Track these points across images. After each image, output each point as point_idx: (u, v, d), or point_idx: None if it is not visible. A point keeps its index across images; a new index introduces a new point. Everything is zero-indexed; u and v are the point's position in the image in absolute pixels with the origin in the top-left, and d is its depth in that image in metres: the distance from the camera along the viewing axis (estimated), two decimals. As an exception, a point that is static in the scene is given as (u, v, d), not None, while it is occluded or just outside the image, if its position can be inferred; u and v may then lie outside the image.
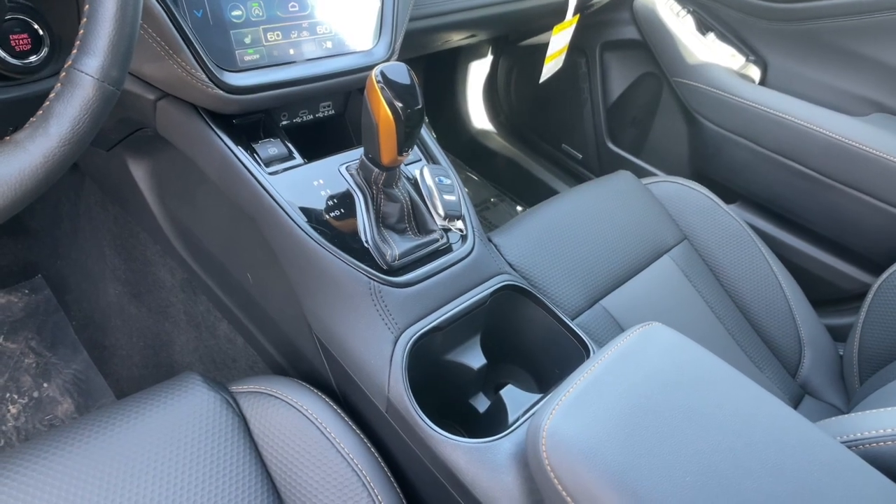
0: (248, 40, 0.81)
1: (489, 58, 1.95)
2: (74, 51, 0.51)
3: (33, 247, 1.38)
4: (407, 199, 0.84)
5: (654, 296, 1.11)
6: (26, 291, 1.32)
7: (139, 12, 0.53)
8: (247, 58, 0.81)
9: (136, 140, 0.97)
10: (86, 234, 1.25)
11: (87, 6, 0.50)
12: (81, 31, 0.51)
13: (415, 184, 0.88)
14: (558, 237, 1.09)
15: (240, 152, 0.81)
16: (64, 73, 0.50)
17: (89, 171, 1.18)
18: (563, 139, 1.88)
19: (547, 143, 1.92)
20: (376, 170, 0.80)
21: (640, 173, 1.29)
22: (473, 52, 1.89)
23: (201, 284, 1.01)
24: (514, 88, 1.95)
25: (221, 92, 0.78)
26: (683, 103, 1.52)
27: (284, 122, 0.94)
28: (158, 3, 0.72)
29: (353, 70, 0.90)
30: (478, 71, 1.98)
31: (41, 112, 0.50)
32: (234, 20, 0.80)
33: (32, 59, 0.72)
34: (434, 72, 1.97)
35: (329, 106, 0.99)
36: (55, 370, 1.20)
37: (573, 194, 1.21)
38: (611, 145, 1.76)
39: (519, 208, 1.97)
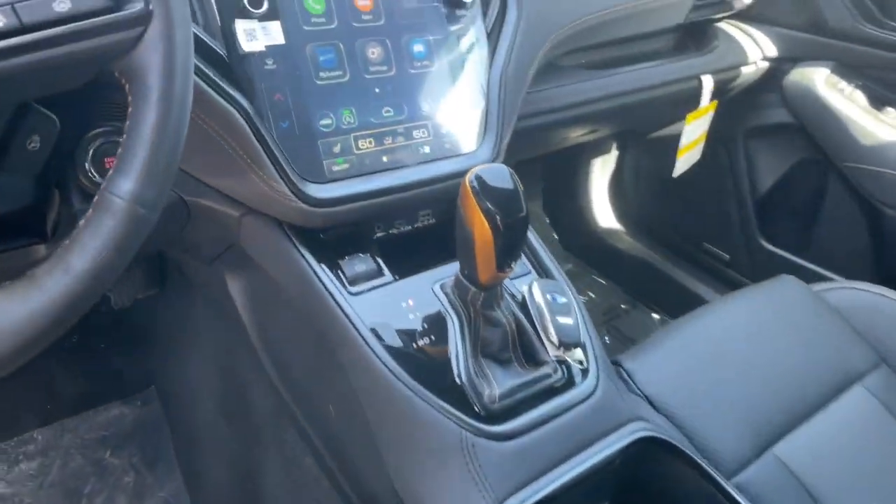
0: (337, 149, 0.74)
1: (614, 152, 1.82)
2: (111, 172, 0.44)
3: (152, 356, 1.38)
4: (511, 322, 0.70)
5: (847, 440, 0.85)
6: (139, 403, 1.32)
7: (183, 125, 0.46)
8: (335, 168, 0.74)
9: (233, 255, 0.93)
10: (195, 347, 1.23)
11: (127, 122, 0.44)
12: (120, 150, 0.44)
13: (522, 303, 0.74)
14: (712, 361, 0.88)
15: (322, 270, 0.72)
16: (97, 198, 0.44)
17: (197, 283, 1.16)
18: (704, 238, 1.66)
19: (685, 242, 1.71)
20: (473, 289, 0.67)
21: (807, 277, 1.06)
22: (596, 147, 1.76)
23: (289, 412, 0.91)
24: (644, 183, 1.78)
25: (304, 205, 0.70)
26: (859, 192, 1.28)
27: (379, 234, 0.85)
28: (241, 115, 0.67)
29: (454, 175, 0.81)
30: (602, 166, 1.84)
31: (67, 242, 0.43)
32: (323, 129, 0.73)
33: None
34: (554, 169, 1.87)
35: (429, 215, 0.89)
36: (149, 492, 1.15)
37: (726, 305, 1.00)
38: (765, 244, 1.52)
39: (656, 317, 1.74)
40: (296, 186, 0.70)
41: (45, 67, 0.41)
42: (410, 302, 0.72)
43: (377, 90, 0.77)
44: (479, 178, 0.62)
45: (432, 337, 0.69)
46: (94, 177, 0.68)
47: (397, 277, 0.76)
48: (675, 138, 1.40)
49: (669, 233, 1.76)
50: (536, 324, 0.71)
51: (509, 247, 0.62)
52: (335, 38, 0.74)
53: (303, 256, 0.73)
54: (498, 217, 0.60)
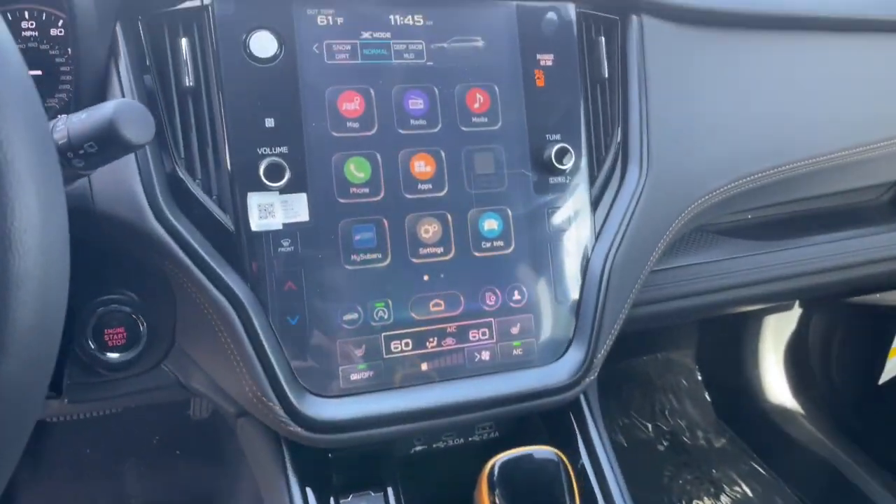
0: (360, 352, 0.58)
1: (796, 310, 1.45)
2: None
3: (219, 474, 1.31)
4: None
5: None
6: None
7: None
8: (354, 376, 0.57)
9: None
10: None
11: None
12: None
13: None
14: None
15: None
16: None
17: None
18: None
19: (892, 448, 1.28)
20: None
21: None
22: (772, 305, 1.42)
23: None
24: (838, 362, 1.39)
25: (300, 430, 0.54)
26: None
27: (419, 447, 0.66)
28: (233, 308, 0.53)
29: (522, 397, 0.60)
30: (778, 325, 1.48)
31: None
32: (346, 325, 0.57)
33: (124, 355, 0.59)
34: (713, 322, 1.54)
35: (491, 428, 0.68)
36: None
37: None
38: None
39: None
40: (292, 405, 0.54)
41: None
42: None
43: (426, 278, 0.60)
44: (503, 469, 0.41)
45: None
46: (90, 347, 0.59)
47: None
48: (887, 311, 1.03)
49: (868, 431, 1.33)
50: None
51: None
52: (379, 212, 0.59)
53: (289, 490, 0.56)
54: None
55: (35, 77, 0.58)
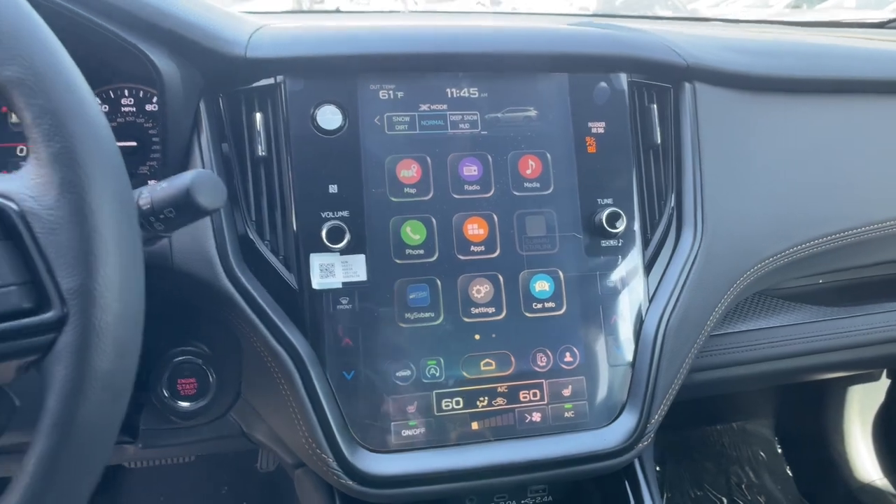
0: (412, 409, 0.59)
1: (884, 380, 1.35)
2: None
3: None
4: None
5: None
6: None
7: (90, 456, 0.35)
8: (406, 432, 0.59)
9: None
10: None
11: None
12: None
13: None
14: None
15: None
16: None
17: None
18: None
19: None
20: None
21: None
22: (856, 374, 1.32)
23: None
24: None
25: (352, 483, 0.56)
26: None
27: (471, 510, 0.66)
28: (293, 361, 0.56)
29: (572, 461, 0.59)
30: (866, 396, 1.37)
31: None
32: (399, 382, 0.59)
33: (194, 404, 0.63)
34: (793, 391, 1.45)
35: (544, 492, 0.67)
36: None
37: None
38: None
39: None
40: (344, 459, 0.56)
41: None
42: None
43: (477, 337, 0.61)
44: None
45: None
46: (164, 395, 0.63)
47: None
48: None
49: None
50: None
51: None
52: (433, 272, 0.61)
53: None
54: None
55: (130, 147, 0.65)
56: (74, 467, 0.34)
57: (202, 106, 0.60)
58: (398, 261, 0.61)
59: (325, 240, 0.58)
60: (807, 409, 1.46)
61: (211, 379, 0.63)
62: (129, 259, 0.36)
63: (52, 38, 0.35)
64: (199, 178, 0.44)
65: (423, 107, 0.63)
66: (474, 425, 0.60)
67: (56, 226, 0.34)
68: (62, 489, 0.34)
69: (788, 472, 1.51)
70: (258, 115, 0.61)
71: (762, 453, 1.50)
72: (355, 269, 0.59)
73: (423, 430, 0.59)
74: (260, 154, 0.60)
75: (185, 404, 0.62)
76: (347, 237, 0.58)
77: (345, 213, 0.60)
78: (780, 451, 1.53)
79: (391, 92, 0.63)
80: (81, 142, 0.34)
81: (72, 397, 0.34)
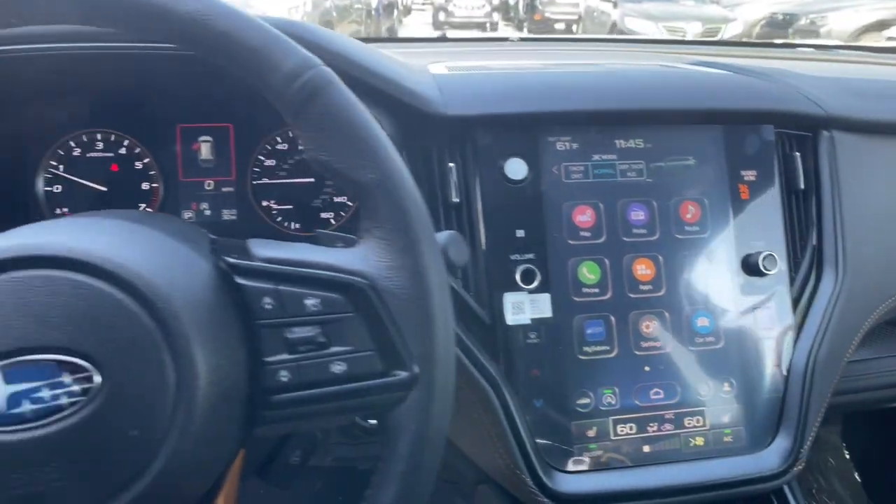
0: (591, 433, 0.66)
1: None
2: None
3: None
4: None
5: None
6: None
7: (424, 495, 0.42)
8: (586, 455, 0.65)
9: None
10: None
11: (374, 476, 0.42)
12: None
13: None
14: None
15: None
16: None
17: None
18: None
19: None
20: None
21: None
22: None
23: None
24: None
25: (547, 501, 0.63)
26: None
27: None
28: (494, 391, 0.63)
29: (729, 483, 0.66)
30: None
31: None
32: (579, 409, 0.66)
33: None
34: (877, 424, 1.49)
35: (693, 508, 0.74)
36: None
37: None
38: None
39: None
40: (539, 478, 0.62)
41: (316, 414, 0.41)
42: None
43: (647, 368, 0.68)
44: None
45: None
46: None
47: None
48: None
49: None
50: None
51: None
52: (606, 310, 0.67)
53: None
54: None
55: (309, 183, 0.74)
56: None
57: (404, 157, 0.66)
58: (576, 298, 0.67)
59: (518, 281, 0.64)
60: (874, 415, 1.51)
61: None
62: (451, 328, 0.42)
63: (391, 145, 0.42)
64: (451, 237, 0.50)
65: (596, 156, 0.69)
66: (645, 448, 0.67)
67: (408, 302, 0.40)
68: None
69: (857, 477, 1.57)
70: (451, 165, 0.67)
71: (831, 460, 1.56)
72: (542, 306, 0.66)
73: (601, 452, 0.66)
74: (453, 201, 0.67)
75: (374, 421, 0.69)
76: (539, 278, 0.65)
77: (531, 256, 0.66)
78: (847, 457, 1.59)
79: (568, 143, 0.69)
80: (425, 235, 0.41)
81: (419, 446, 0.40)
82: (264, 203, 0.77)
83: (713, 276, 0.70)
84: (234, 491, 0.45)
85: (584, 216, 0.68)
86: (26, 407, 0.36)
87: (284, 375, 0.40)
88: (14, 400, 0.36)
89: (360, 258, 0.41)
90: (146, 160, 0.75)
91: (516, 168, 0.67)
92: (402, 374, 0.40)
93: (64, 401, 0.36)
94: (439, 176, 0.67)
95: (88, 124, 0.74)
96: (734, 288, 0.70)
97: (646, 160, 0.70)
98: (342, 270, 0.41)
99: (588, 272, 0.68)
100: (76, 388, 0.36)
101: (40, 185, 0.73)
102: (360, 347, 0.40)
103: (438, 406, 0.41)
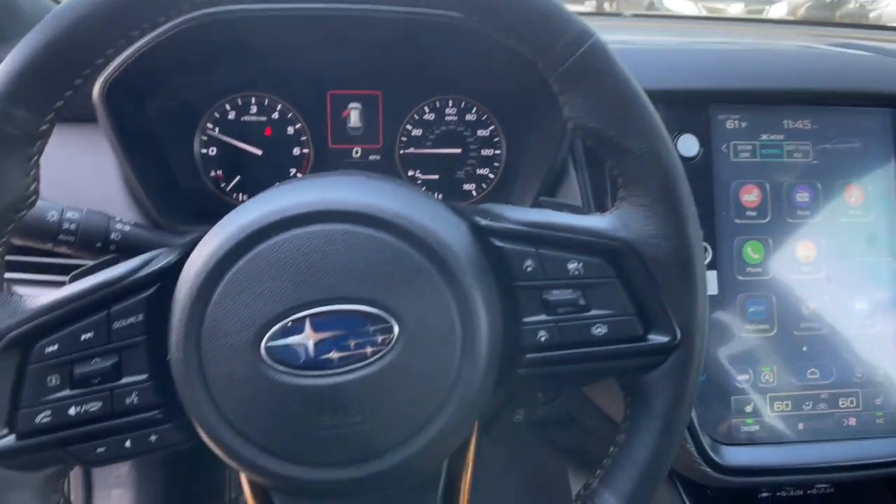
0: (749, 409, 0.67)
1: None
2: (595, 482, 0.43)
3: None
4: None
5: None
6: None
7: (673, 454, 0.43)
8: (744, 429, 0.67)
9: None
10: None
11: (622, 435, 0.43)
12: (608, 461, 0.43)
13: None
14: None
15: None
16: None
17: None
18: None
19: None
20: None
21: None
22: None
23: None
24: None
25: (709, 470, 0.64)
26: None
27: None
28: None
29: (880, 463, 0.67)
30: None
31: None
32: (738, 385, 0.67)
33: None
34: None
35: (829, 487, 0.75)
36: None
37: None
38: None
39: None
40: (704, 450, 0.64)
41: (570, 374, 0.43)
42: None
43: (805, 349, 0.68)
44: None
45: None
46: None
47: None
48: None
49: None
50: None
51: None
52: (768, 289, 0.68)
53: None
54: None
55: (455, 154, 0.76)
56: (663, 467, 0.43)
57: None
58: (740, 277, 0.68)
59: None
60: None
61: None
62: (707, 297, 0.43)
63: (660, 118, 0.43)
64: None
65: (764, 136, 0.69)
66: (800, 426, 0.68)
67: (674, 269, 0.41)
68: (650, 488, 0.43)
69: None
70: None
71: None
72: (709, 283, 0.67)
73: (757, 427, 0.67)
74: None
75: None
76: (709, 256, 0.65)
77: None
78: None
79: (737, 122, 0.69)
80: (690, 208, 0.42)
81: (676, 409, 0.42)
82: (409, 172, 0.78)
83: (874, 260, 0.70)
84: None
85: (750, 195, 0.68)
86: (333, 354, 0.37)
87: (543, 335, 0.42)
88: (322, 347, 0.37)
89: (620, 224, 0.42)
90: (298, 125, 0.75)
91: (689, 145, 0.67)
92: (662, 339, 0.42)
93: (368, 349, 0.37)
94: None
95: (244, 87, 0.74)
96: (894, 273, 0.70)
97: (812, 141, 0.70)
98: (604, 236, 0.42)
99: (752, 251, 0.68)
100: (378, 338, 0.37)
101: (197, 147, 0.74)
102: (620, 311, 0.42)
103: (695, 370, 0.42)
